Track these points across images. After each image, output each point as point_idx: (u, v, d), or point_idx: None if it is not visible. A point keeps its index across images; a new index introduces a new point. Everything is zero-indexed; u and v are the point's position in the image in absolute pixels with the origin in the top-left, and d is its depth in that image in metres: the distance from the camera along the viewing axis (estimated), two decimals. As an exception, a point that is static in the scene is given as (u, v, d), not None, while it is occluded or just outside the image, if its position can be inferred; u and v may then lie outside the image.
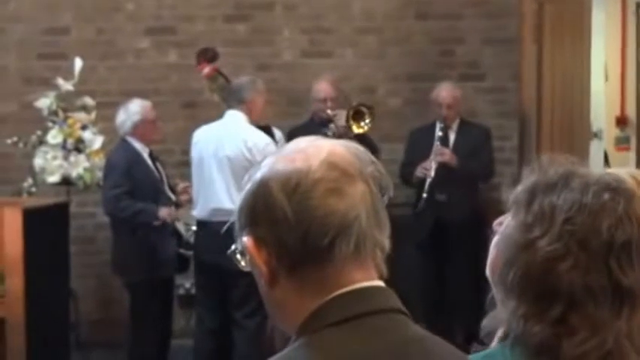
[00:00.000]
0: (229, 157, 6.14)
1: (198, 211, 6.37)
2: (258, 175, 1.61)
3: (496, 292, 1.85)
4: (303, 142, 1.65)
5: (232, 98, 6.42)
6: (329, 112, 7.26)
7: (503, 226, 1.86)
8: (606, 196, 1.77)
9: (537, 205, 1.79)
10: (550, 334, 1.73)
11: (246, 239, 1.60)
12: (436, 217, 7.07)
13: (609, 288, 1.74)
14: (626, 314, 1.75)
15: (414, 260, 7.25)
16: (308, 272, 1.57)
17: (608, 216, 1.75)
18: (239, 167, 6.08)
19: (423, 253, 7.25)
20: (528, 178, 1.85)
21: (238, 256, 1.65)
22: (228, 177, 6.17)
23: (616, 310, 1.75)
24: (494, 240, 1.90)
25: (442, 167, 7.09)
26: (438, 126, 7.36)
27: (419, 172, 7.19)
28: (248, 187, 1.63)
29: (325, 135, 6.30)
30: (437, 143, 7.27)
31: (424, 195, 6.97)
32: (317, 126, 7.07)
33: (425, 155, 7.26)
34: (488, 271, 1.92)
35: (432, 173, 7.08)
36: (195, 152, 6.44)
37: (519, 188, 1.85)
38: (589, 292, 1.74)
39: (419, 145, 7.45)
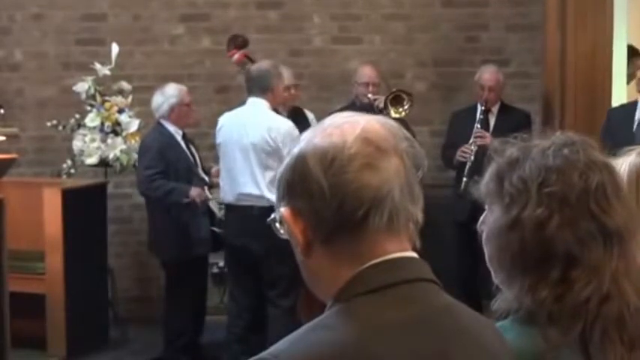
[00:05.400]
0: (253, 143, 6.16)
1: (225, 196, 6.44)
2: (297, 149, 1.65)
3: (501, 281, 1.91)
4: (339, 118, 1.67)
5: (255, 86, 6.33)
6: (370, 96, 7.32)
7: (487, 221, 1.93)
8: (565, 151, 1.87)
9: (508, 185, 1.88)
10: (555, 297, 1.81)
11: (283, 210, 1.64)
12: (474, 200, 6.95)
13: (597, 232, 1.83)
14: (617, 252, 1.84)
15: (455, 237, 7.38)
16: (342, 242, 1.60)
17: (575, 167, 1.85)
18: (263, 153, 6.16)
19: (463, 231, 7.22)
20: (490, 167, 1.94)
21: (277, 225, 1.67)
22: (253, 163, 6.21)
23: (608, 251, 1.83)
24: (484, 237, 1.94)
25: (482, 150, 6.98)
26: (479, 108, 7.38)
27: (459, 156, 7.21)
28: (287, 160, 1.66)
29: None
30: (477, 126, 7.28)
31: (464, 179, 6.90)
32: (358, 109, 7.02)
33: (466, 137, 7.26)
34: (490, 268, 1.94)
35: (472, 157, 7.08)
36: (219, 138, 6.46)
37: (485, 179, 1.94)
38: (581, 243, 1.82)
39: (460, 127, 7.47)
